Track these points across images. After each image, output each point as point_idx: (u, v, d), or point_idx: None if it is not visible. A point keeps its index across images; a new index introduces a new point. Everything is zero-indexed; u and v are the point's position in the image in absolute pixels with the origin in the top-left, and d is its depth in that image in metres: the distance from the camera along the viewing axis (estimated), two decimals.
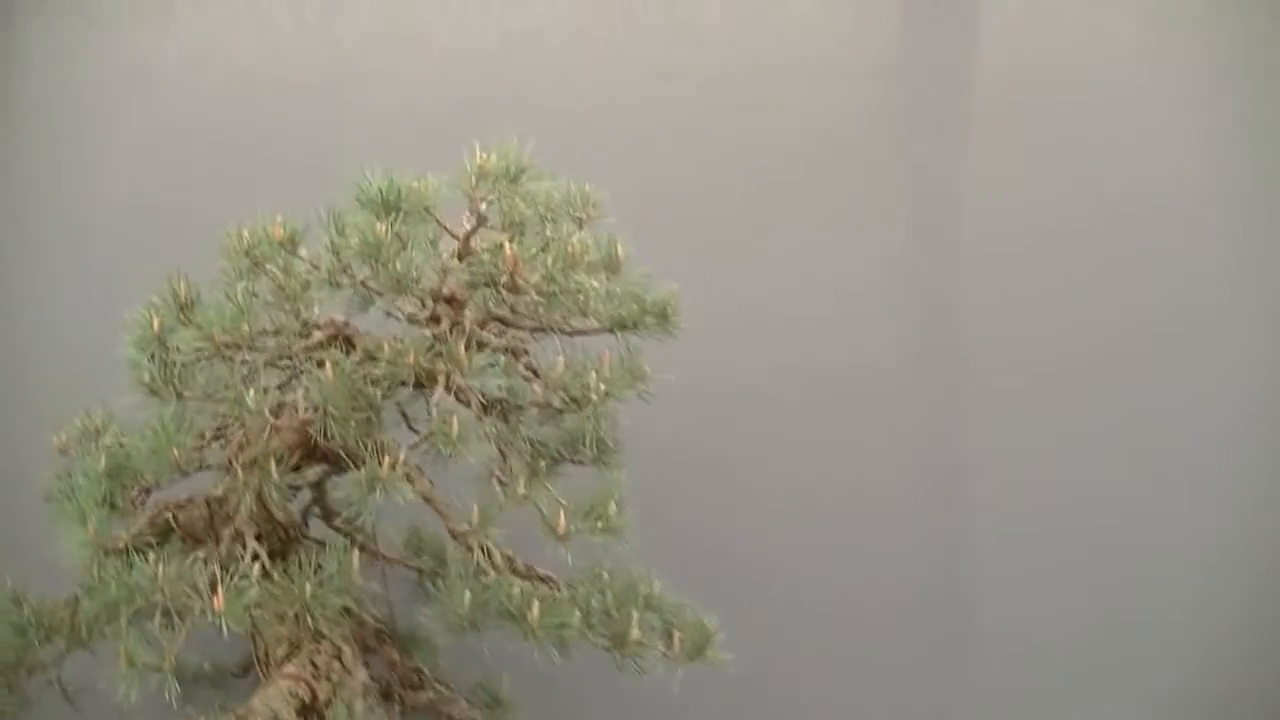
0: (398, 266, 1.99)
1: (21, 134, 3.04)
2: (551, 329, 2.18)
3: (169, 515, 2.24)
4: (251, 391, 1.99)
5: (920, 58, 2.92)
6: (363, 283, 2.02)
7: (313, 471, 2.29)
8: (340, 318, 2.17)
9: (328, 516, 2.43)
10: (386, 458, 1.95)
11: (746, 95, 2.97)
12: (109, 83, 2.96)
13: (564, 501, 2.16)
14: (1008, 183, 2.87)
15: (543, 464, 2.17)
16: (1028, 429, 2.80)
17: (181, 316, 2.05)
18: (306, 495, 2.41)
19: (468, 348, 2.03)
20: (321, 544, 2.46)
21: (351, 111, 2.91)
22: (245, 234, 2.09)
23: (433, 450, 2.06)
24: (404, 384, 2.09)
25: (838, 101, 2.93)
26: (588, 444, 2.17)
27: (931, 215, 2.92)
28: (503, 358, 2.15)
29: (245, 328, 2.00)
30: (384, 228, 2.00)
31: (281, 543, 2.25)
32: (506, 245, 2.03)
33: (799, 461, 2.90)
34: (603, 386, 2.08)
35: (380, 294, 2.01)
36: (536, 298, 2.06)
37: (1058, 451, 2.79)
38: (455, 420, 2.00)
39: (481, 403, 2.15)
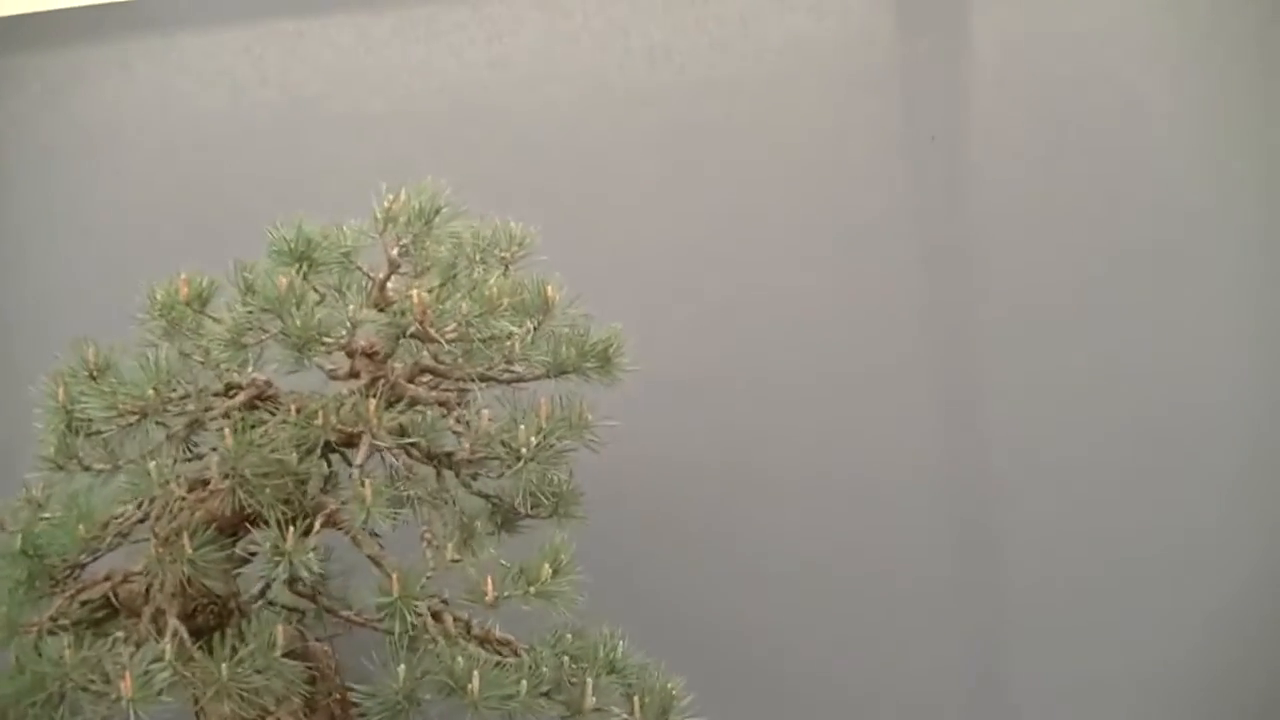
0: (299, 321, 1.85)
1: None
2: (486, 379, 2.04)
3: (109, 591, 2.14)
4: (154, 463, 1.86)
5: (918, 66, 2.74)
6: (271, 339, 1.89)
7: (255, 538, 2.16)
8: (263, 376, 2.05)
9: (290, 581, 2.31)
10: (291, 530, 1.82)
11: (734, 112, 2.82)
12: (73, 144, 2.90)
13: (505, 563, 2.02)
14: (1011, 188, 2.69)
15: (478, 523, 2.01)
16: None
17: (91, 384, 1.94)
18: None
19: (379, 405, 1.89)
20: (292, 611, 2.36)
21: (316, 154, 2.81)
22: (159, 294, 1.99)
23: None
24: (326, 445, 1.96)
25: (832, 115, 2.77)
26: (522, 499, 2.01)
27: (933, 226, 2.74)
28: (429, 412, 2.01)
29: (150, 393, 1.89)
30: (287, 280, 1.87)
31: (218, 617, 2.13)
32: (415, 293, 1.89)
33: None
34: (533, 439, 1.92)
35: (293, 350, 1.87)
36: (448, 347, 1.91)
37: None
38: (369, 484, 1.87)
39: (411, 460, 2.02)
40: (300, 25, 2.84)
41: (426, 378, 2.05)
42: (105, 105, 2.87)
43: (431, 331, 1.89)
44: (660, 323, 2.71)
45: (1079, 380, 2.71)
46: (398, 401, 2.03)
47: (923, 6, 2.78)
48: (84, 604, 2.12)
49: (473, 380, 2.00)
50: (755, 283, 2.80)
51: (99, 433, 1.94)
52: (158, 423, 1.94)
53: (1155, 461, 2.69)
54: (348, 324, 1.90)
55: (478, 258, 2.02)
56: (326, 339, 1.89)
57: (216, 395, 2.04)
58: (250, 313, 1.89)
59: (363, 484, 1.87)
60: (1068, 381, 2.71)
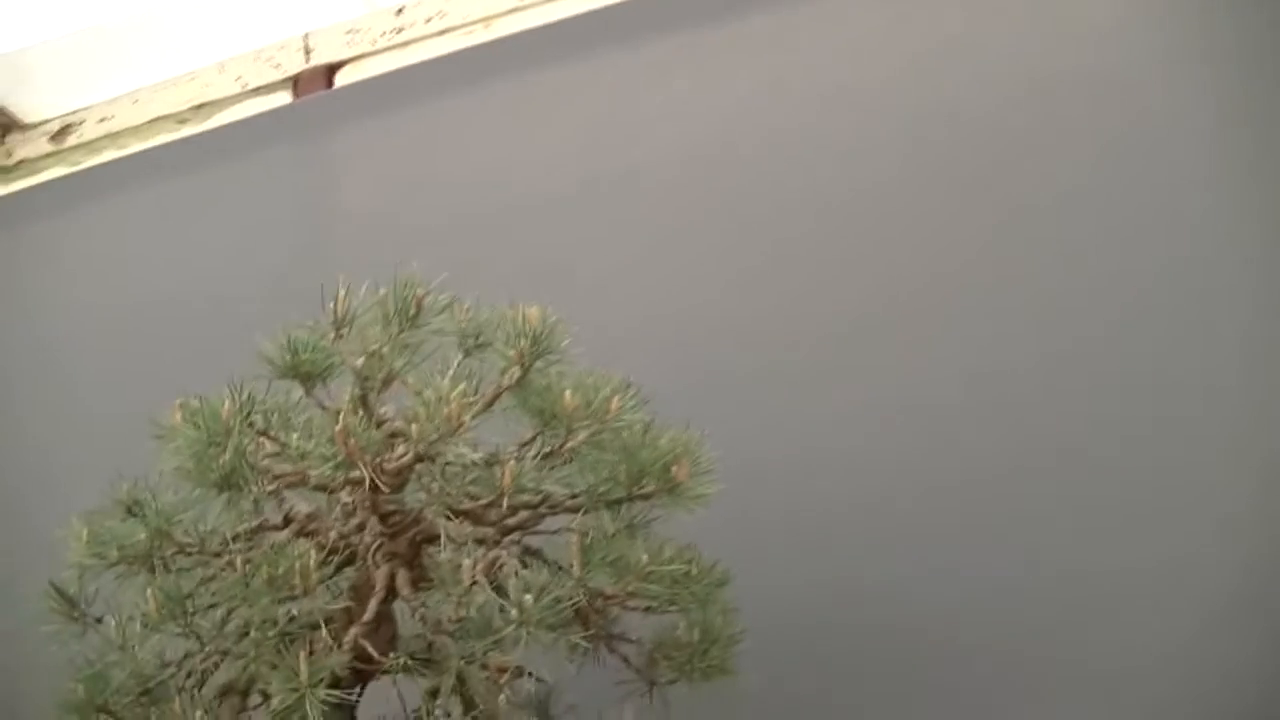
0: (225, 458, 1.46)
1: None
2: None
3: None
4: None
5: None
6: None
7: None
8: (302, 508, 1.68)
9: None
10: None
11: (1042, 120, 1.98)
12: None
13: None
14: None
15: None
16: None
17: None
18: None
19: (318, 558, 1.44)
20: None
21: None
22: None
23: None
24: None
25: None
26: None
27: None
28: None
29: (141, 538, 1.60)
30: (228, 407, 1.49)
31: None
32: (341, 417, 1.41)
33: None
34: (515, 612, 1.37)
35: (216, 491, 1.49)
36: (386, 490, 1.41)
37: None
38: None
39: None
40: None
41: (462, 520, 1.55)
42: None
43: (363, 466, 1.38)
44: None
45: None
46: (427, 542, 1.55)
47: None
48: None
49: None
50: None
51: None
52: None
53: None
54: (293, 457, 1.45)
55: (482, 343, 1.48)
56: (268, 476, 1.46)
57: (264, 530, 1.67)
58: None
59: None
60: None
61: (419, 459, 1.43)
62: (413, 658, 1.48)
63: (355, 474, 1.45)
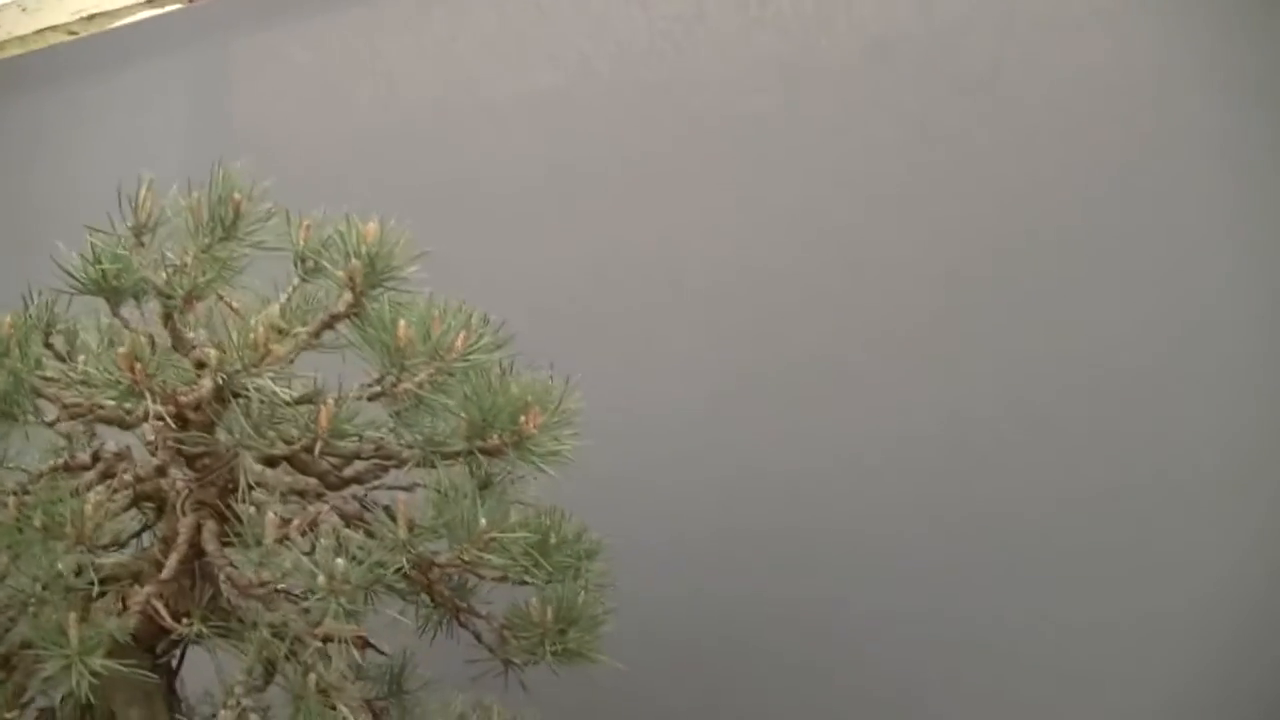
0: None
1: None
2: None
3: None
4: None
5: None
6: None
7: None
8: (113, 446, 1.45)
9: None
10: None
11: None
12: None
13: None
14: None
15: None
16: None
17: None
18: None
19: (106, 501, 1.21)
20: None
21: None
22: None
23: None
24: None
25: None
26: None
27: None
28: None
29: None
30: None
31: None
32: (129, 340, 1.18)
33: None
34: (322, 578, 1.14)
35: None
36: (177, 426, 1.18)
37: None
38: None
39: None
40: None
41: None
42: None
43: (151, 396, 1.16)
44: None
45: None
46: (237, 492, 1.33)
47: None
48: None
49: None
50: None
51: None
52: None
53: None
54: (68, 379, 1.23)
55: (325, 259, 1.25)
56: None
57: (71, 470, 1.45)
58: None
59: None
60: None
61: (220, 392, 1.20)
62: (207, 623, 1.25)
63: (150, 406, 1.22)
